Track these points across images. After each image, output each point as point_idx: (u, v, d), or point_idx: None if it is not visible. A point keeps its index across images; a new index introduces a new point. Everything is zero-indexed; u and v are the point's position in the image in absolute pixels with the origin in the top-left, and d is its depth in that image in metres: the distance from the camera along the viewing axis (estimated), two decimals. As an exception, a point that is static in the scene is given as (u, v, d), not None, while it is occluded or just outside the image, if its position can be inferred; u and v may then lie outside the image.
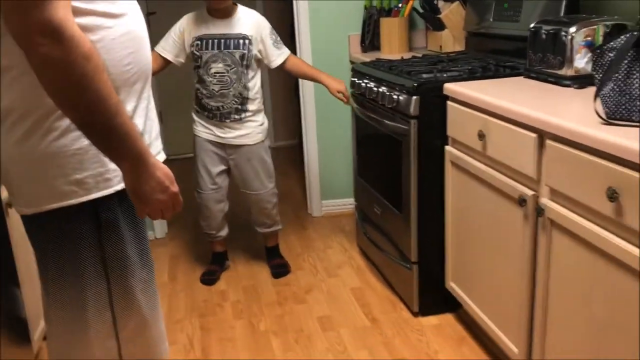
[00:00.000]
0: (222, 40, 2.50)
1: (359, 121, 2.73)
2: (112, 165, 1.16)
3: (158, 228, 3.31)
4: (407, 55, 2.87)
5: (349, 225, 3.30)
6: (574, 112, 1.63)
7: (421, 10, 3.09)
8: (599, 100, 1.46)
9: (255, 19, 2.57)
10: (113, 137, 1.07)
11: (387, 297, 2.54)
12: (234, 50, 2.50)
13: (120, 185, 1.20)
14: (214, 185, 2.66)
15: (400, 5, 3.14)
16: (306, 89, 3.31)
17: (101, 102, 1.02)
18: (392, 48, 3.11)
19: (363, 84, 2.56)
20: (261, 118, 2.66)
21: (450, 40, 2.95)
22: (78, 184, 1.15)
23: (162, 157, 1.34)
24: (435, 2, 3.00)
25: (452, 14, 2.91)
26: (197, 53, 2.51)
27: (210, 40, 2.50)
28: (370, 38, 3.21)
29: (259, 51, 2.56)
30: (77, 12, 1.04)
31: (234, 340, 2.30)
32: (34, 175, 1.15)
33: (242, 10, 2.55)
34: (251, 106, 2.59)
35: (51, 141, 1.12)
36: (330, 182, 3.47)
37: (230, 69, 2.50)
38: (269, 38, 2.57)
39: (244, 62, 2.52)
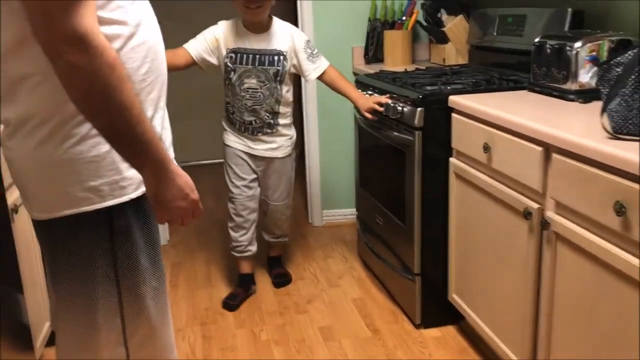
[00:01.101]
0: (257, 56, 2.44)
1: (362, 131, 2.74)
2: (128, 173, 1.17)
3: (160, 235, 3.30)
4: (411, 68, 2.89)
5: (349, 235, 3.30)
6: (580, 126, 1.64)
7: (425, 24, 3.12)
8: (605, 115, 1.47)
9: (290, 32, 2.50)
10: (135, 145, 1.08)
11: (389, 308, 2.54)
12: (269, 67, 2.45)
13: (135, 194, 1.20)
14: (248, 190, 2.61)
15: (404, 18, 3.17)
16: (309, 97, 3.33)
17: (124, 110, 1.03)
18: (396, 60, 3.13)
19: (367, 96, 2.57)
20: (291, 131, 2.63)
21: (454, 53, 2.97)
22: (93, 190, 1.16)
23: None
24: (438, 15, 3.02)
25: (456, 27, 2.94)
26: (231, 66, 2.45)
27: (245, 55, 2.44)
28: (373, 50, 3.23)
29: (293, 65, 2.51)
30: (100, 21, 1.05)
31: (236, 350, 2.29)
32: (50, 180, 1.15)
33: (277, 24, 2.49)
34: (282, 120, 2.55)
35: (68, 147, 1.12)
36: (332, 191, 3.48)
37: (264, 85, 2.46)
38: (303, 52, 2.50)
39: (278, 78, 2.47)
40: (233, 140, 2.58)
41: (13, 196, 1.88)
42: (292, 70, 2.52)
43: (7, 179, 1.82)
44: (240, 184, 2.60)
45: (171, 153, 1.36)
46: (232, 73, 2.46)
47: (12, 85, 1.11)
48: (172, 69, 2.11)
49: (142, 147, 1.08)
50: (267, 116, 2.51)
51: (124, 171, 1.17)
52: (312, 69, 2.52)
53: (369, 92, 2.58)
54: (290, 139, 2.62)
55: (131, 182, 1.19)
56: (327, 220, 3.52)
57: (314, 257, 3.08)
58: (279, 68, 2.46)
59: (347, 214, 3.50)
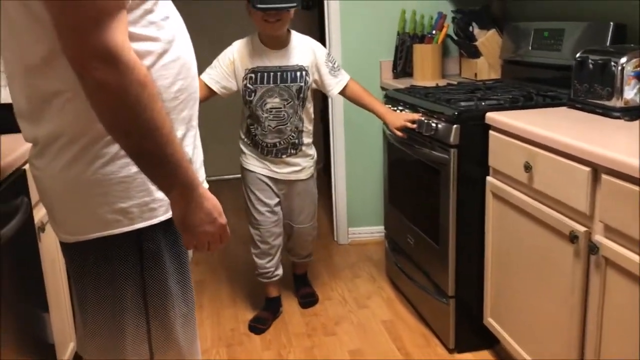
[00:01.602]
0: (279, 74, 2.31)
1: (391, 147, 2.68)
2: (158, 195, 1.13)
3: (183, 252, 3.26)
4: (441, 82, 2.82)
5: (377, 254, 3.22)
6: (630, 145, 1.56)
7: (455, 37, 3.05)
8: (661, 135, 1.39)
9: (310, 46, 2.39)
10: (164, 166, 1.03)
11: (420, 331, 2.45)
12: (291, 84, 2.32)
13: (165, 216, 1.16)
14: (273, 215, 2.49)
15: (433, 32, 3.11)
16: (336, 110, 3.27)
17: (154, 130, 0.99)
18: (425, 75, 3.06)
19: (397, 111, 2.51)
20: (313, 151, 2.52)
21: (486, 68, 2.91)
22: (122, 212, 1.12)
23: (205, 185, 1.30)
24: (470, 29, 2.95)
25: (488, 42, 2.87)
26: (251, 87, 2.32)
27: (265, 73, 2.31)
28: (402, 64, 3.17)
29: (315, 80, 2.40)
30: (131, 37, 1.01)
31: (263, 373, 2.23)
32: (78, 202, 1.11)
33: (296, 38, 2.37)
34: (306, 139, 2.45)
35: (98, 168, 1.08)
36: (358, 208, 3.41)
37: (287, 104, 2.33)
38: (325, 66, 2.39)
39: (301, 95, 2.35)
40: (254, 164, 2.45)
41: (40, 214, 1.85)
42: (314, 85, 2.42)
43: (35, 196, 1.79)
44: (265, 209, 2.48)
45: (202, 174, 1.31)
46: (253, 94, 2.32)
47: (42, 102, 1.07)
48: None
49: (170, 168, 1.03)
50: (292, 136, 2.39)
51: (154, 192, 1.13)
52: (335, 84, 2.42)
53: (400, 108, 2.51)
54: (313, 158, 2.52)
55: (161, 204, 1.15)
56: (352, 238, 3.44)
57: (341, 276, 3.01)
58: (301, 84, 2.34)
59: (373, 231, 3.42)
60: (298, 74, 2.34)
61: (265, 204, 2.48)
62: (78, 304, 1.21)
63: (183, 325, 1.25)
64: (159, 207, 1.15)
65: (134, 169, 1.08)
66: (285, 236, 2.62)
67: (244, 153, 2.48)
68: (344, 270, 3.08)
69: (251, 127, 2.40)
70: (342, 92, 2.46)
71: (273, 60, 2.32)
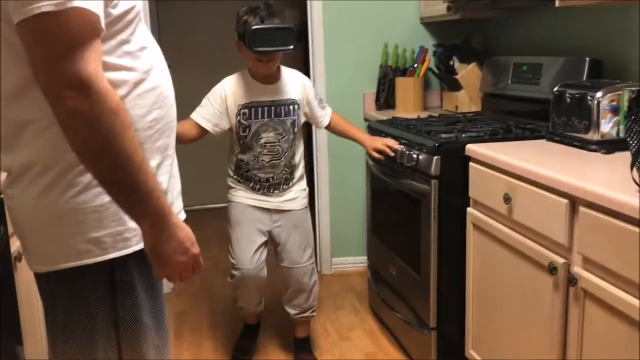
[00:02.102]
0: (273, 108, 2.28)
1: (374, 178, 2.69)
2: (132, 224, 1.11)
3: (164, 283, 3.22)
4: (423, 115, 2.86)
5: (360, 285, 3.21)
6: (607, 178, 1.59)
7: (437, 71, 3.10)
8: (635, 168, 1.42)
9: (300, 80, 2.38)
10: (135, 195, 1.03)
11: (402, 363, 2.44)
12: (285, 118, 2.29)
13: (139, 246, 1.14)
14: (256, 258, 2.32)
15: (415, 65, 3.16)
16: (320, 142, 3.29)
17: (125, 158, 0.99)
18: (407, 107, 3.10)
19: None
20: (305, 183, 2.45)
21: (466, 101, 2.95)
22: (95, 242, 1.11)
23: (182, 216, 1.29)
24: (451, 62, 3.01)
25: (469, 75, 2.92)
26: (245, 122, 2.26)
27: (259, 108, 2.27)
28: (385, 96, 3.21)
29: (305, 113, 2.39)
30: (106, 67, 1.01)
31: (242, 407, 2.18)
32: (51, 232, 1.10)
33: (286, 72, 2.35)
34: (297, 172, 2.40)
35: (71, 197, 1.07)
36: (342, 239, 3.41)
37: (282, 138, 2.29)
38: (315, 99, 2.40)
39: (295, 129, 2.33)
40: (244, 196, 2.35)
41: (17, 243, 1.82)
42: (304, 118, 2.41)
43: (12, 227, 1.76)
44: (249, 249, 2.31)
45: (179, 203, 1.30)
46: (248, 130, 2.27)
47: (15, 131, 1.07)
48: (182, 142, 1.95)
49: (141, 197, 1.03)
50: (286, 171, 2.34)
51: (127, 222, 1.12)
52: (323, 115, 2.44)
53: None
54: (305, 190, 2.44)
55: (135, 234, 1.13)
56: (336, 269, 3.43)
57: (324, 307, 2.98)
58: (294, 118, 2.32)
59: (357, 262, 3.42)
60: (291, 107, 2.32)
61: (251, 240, 2.32)
62: (48, 334, 1.19)
63: (156, 358, 1.23)
64: (133, 237, 1.14)
65: (107, 198, 1.07)
66: (283, 287, 2.45)
67: (232, 188, 2.39)
68: (326, 301, 3.06)
69: (242, 163, 2.33)
70: (327, 125, 2.48)
71: (266, 95, 2.29)
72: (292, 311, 2.45)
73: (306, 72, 3.59)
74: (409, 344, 2.46)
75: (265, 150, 2.29)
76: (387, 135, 2.52)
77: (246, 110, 2.27)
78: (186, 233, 1.12)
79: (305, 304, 2.43)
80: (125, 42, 1.08)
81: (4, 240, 1.68)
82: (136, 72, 1.10)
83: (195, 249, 1.14)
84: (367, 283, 2.97)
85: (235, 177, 2.37)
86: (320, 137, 3.28)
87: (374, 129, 2.68)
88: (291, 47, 2.16)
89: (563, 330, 1.63)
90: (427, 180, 2.15)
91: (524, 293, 1.80)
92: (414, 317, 2.35)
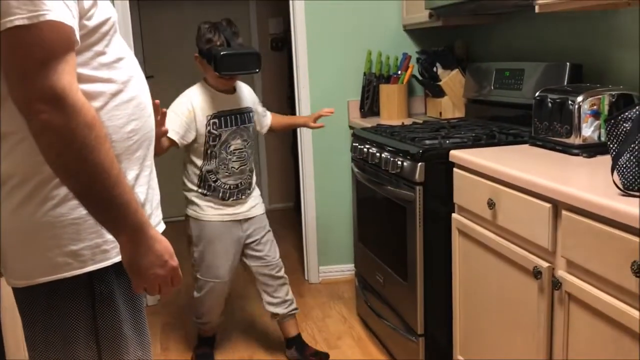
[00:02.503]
0: (238, 116, 2.38)
1: (360, 185, 2.70)
2: (110, 236, 1.10)
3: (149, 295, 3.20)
4: (407, 121, 2.87)
5: (347, 293, 3.20)
6: (589, 181, 1.60)
7: (420, 78, 3.12)
8: (616, 172, 1.43)
9: (248, 89, 2.52)
10: (112, 208, 1.02)
11: (391, 370, 2.43)
12: (248, 124, 2.42)
13: (118, 258, 1.13)
14: (231, 269, 2.44)
15: (399, 72, 3.18)
16: (305, 150, 3.29)
17: (101, 172, 0.98)
18: (391, 114, 3.11)
19: (365, 149, 2.54)
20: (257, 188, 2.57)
21: (450, 107, 2.97)
22: (73, 255, 1.09)
23: (161, 227, 1.28)
24: (434, 69, 3.03)
25: (452, 81, 2.94)
26: (215, 132, 2.32)
27: (228, 117, 2.35)
28: (369, 104, 3.22)
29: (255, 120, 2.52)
30: (81, 79, 1.01)
31: (231, 418, 2.17)
32: (28, 245, 1.09)
33: (238, 83, 2.46)
34: (254, 177, 2.52)
35: (48, 210, 1.06)
36: (328, 246, 3.40)
37: (247, 144, 2.42)
38: (260, 106, 2.55)
39: (254, 135, 2.49)
40: (213, 213, 2.38)
41: None
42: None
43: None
44: (228, 264, 2.41)
45: (159, 214, 1.29)
46: (218, 139, 2.33)
47: None
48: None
49: (119, 210, 1.02)
50: (249, 175, 2.45)
51: (105, 234, 1.10)
52: (267, 119, 2.58)
53: (367, 146, 2.54)
54: (260, 195, 2.56)
55: (113, 246, 1.12)
56: (323, 277, 3.42)
57: (312, 316, 2.97)
58: (253, 124, 2.47)
59: (344, 269, 3.41)
60: (250, 114, 2.45)
61: (230, 256, 2.41)
62: (29, 348, 1.17)
63: None
64: (111, 249, 1.12)
65: (84, 210, 1.06)
66: (265, 293, 2.49)
67: (196, 205, 2.39)
68: (314, 309, 3.05)
69: (209, 173, 2.36)
70: (270, 127, 2.61)
71: (230, 104, 2.38)
72: (280, 310, 2.49)
73: (290, 80, 3.60)
74: (397, 350, 2.46)
75: (235, 157, 2.38)
76: (371, 142, 2.52)
77: (216, 120, 2.33)
78: (164, 246, 1.11)
79: (287, 296, 2.51)
80: (101, 53, 1.07)
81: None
82: (113, 84, 1.09)
83: (174, 262, 1.13)
84: (354, 291, 2.97)
85: (199, 190, 2.38)
86: (306, 146, 3.28)
87: (359, 137, 2.69)
88: (257, 70, 2.32)
89: (549, 334, 1.63)
90: (411, 187, 2.15)
91: (509, 297, 1.80)
92: (402, 324, 2.35)
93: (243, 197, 2.42)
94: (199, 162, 2.36)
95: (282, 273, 2.52)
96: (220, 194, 2.37)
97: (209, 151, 2.34)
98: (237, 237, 2.42)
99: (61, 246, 1.08)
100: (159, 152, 2.16)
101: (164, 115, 1.56)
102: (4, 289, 1.82)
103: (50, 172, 1.01)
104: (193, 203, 2.39)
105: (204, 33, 2.29)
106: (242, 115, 2.39)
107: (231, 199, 2.39)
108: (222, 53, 2.19)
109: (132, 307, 1.19)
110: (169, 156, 2.28)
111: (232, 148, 2.36)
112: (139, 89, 1.16)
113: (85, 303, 1.12)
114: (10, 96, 0.94)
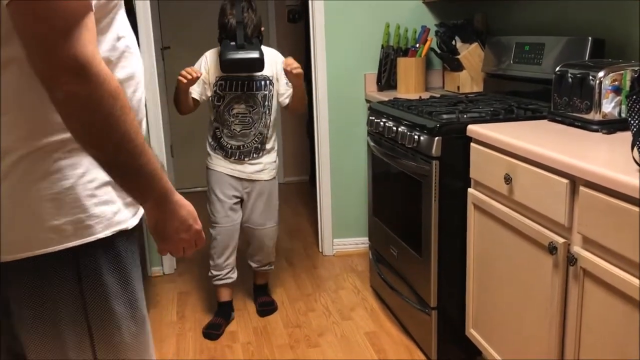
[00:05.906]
0: (246, 82, 2.49)
1: (375, 159, 2.69)
2: (94, 211, 1.08)
3: (167, 264, 3.25)
4: (425, 95, 2.85)
5: (361, 265, 3.23)
6: (607, 158, 1.59)
7: (439, 51, 3.08)
8: (636, 148, 1.41)
9: (274, 57, 2.56)
10: (138, 177, 1.02)
11: (403, 342, 2.46)
12: (257, 92, 2.50)
13: (104, 233, 1.10)
14: (229, 216, 2.61)
15: (417, 45, 3.14)
16: (321, 123, 3.29)
17: (127, 142, 0.97)
18: (409, 87, 3.09)
19: (381, 123, 2.53)
20: (275, 156, 2.67)
21: (468, 81, 2.94)
22: (55, 230, 1.06)
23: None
24: (453, 43, 2.99)
25: (471, 55, 2.90)
26: (220, 93, 2.50)
27: (234, 82, 2.48)
28: (386, 77, 3.20)
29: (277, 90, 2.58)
30: None
31: (245, 385, 2.22)
32: (8, 220, 1.06)
33: (266, 50, 2.50)
34: (269, 144, 2.61)
35: (29, 184, 1.04)
36: (343, 219, 3.41)
37: (253, 110, 2.51)
38: (283, 78, 2.54)
39: (266, 103, 2.53)
40: (219, 164, 2.59)
41: None
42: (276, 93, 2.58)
43: None
44: (222, 209, 2.59)
45: None
46: (222, 100, 2.50)
47: None
48: (184, 113, 2.53)
49: (146, 178, 1.03)
50: (256, 140, 2.55)
51: (89, 209, 1.07)
52: (286, 92, 2.57)
53: (383, 120, 2.53)
54: (275, 162, 2.66)
55: (98, 221, 1.09)
56: (337, 250, 3.45)
57: (325, 287, 3.00)
58: (266, 92, 2.52)
59: (358, 242, 3.43)
60: (263, 83, 2.52)
61: (223, 202, 2.59)
62: (18, 328, 1.13)
63: (132, 345, 1.18)
64: (96, 224, 1.09)
65: (66, 184, 1.04)
66: (246, 243, 2.72)
67: (209, 155, 2.62)
68: (328, 281, 3.08)
69: (217, 130, 2.57)
70: (287, 105, 2.61)
71: None
72: (253, 264, 2.77)
73: (307, 52, 3.57)
74: (409, 323, 2.49)
75: (237, 120, 2.52)
76: (388, 116, 2.51)
77: (222, 82, 2.50)
78: (189, 210, 1.13)
79: (265, 260, 2.76)
80: (105, 31, 1.04)
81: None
82: (109, 64, 1.06)
83: (198, 225, 1.15)
84: (368, 263, 2.99)
85: (212, 143, 2.61)
86: (322, 119, 3.28)
87: (375, 110, 2.68)
88: (259, 72, 2.48)
89: (562, 309, 1.64)
90: (428, 162, 2.15)
91: (524, 273, 1.81)
92: (415, 297, 2.37)
93: (247, 159, 2.57)
94: (212, 118, 2.58)
95: (265, 240, 2.68)
96: (224, 152, 2.57)
97: (215, 109, 2.54)
98: (235, 190, 2.60)
99: (43, 221, 1.05)
100: (186, 110, 2.50)
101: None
102: None
103: (29, 148, 0.99)
104: (208, 154, 2.63)
105: (222, 6, 2.46)
106: (250, 82, 2.49)
107: (233, 158, 2.57)
108: (227, 57, 2.35)
109: (125, 283, 1.16)
110: (197, 132, 2.38)
111: (234, 111, 2.51)
112: (136, 61, 1.14)
113: (72, 280, 1.09)
114: (31, 66, 0.92)
